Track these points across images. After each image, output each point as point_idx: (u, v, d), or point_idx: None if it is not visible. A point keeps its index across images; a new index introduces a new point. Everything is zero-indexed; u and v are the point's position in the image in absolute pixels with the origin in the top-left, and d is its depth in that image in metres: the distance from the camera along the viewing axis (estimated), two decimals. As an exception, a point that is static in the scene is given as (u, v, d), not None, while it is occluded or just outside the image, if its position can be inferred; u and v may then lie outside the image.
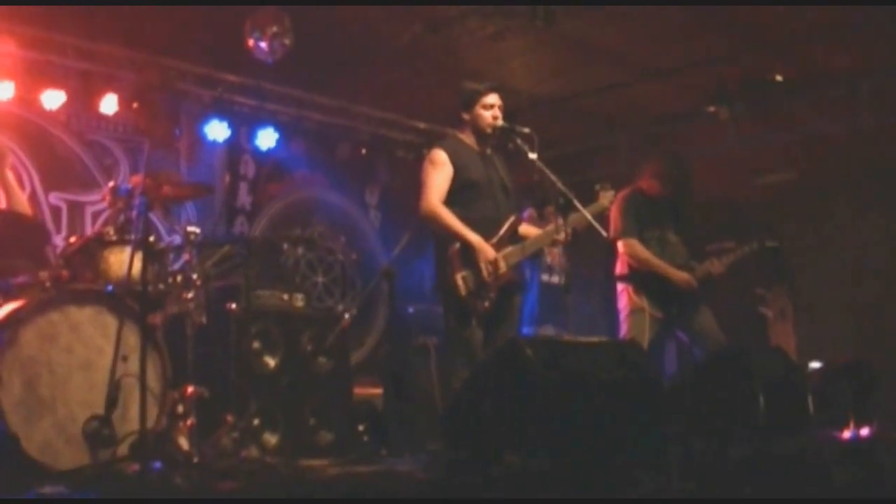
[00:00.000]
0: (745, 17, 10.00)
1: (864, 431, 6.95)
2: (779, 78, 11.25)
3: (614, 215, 8.88)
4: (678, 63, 11.00)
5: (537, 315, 11.74)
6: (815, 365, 8.90)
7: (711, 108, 11.88)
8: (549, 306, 11.81)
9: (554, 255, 12.03)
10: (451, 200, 7.45)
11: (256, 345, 8.41)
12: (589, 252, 11.40)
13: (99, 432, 6.57)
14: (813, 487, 5.70)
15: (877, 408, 7.30)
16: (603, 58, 10.86)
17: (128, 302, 6.94)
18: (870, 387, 7.61)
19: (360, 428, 9.06)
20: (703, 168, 11.38)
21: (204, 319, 7.52)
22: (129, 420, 6.71)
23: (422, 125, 12.64)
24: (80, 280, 7.20)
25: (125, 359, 6.78)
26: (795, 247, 13.12)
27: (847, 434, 6.88)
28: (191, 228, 7.63)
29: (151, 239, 7.25)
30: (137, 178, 7.47)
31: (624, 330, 8.92)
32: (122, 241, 7.32)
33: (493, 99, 7.62)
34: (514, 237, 7.50)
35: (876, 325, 13.22)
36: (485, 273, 7.20)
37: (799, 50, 10.68)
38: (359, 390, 9.65)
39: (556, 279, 12.28)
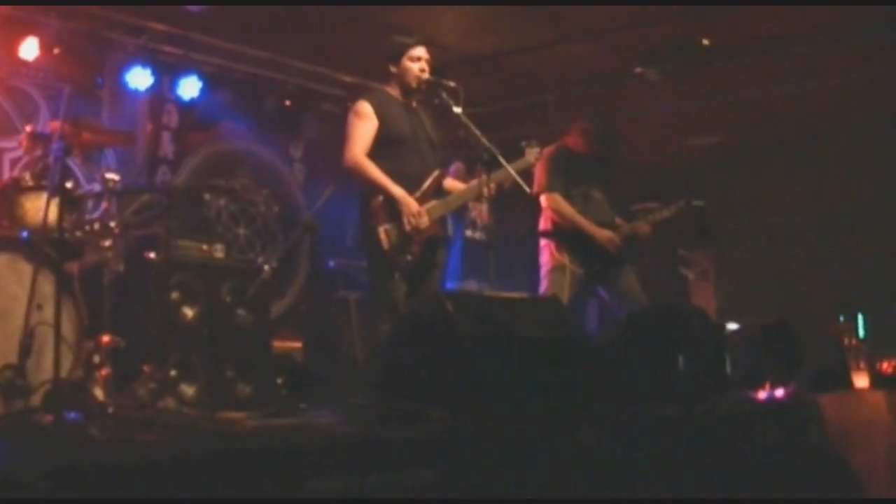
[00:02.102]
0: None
1: (780, 392, 6.99)
2: (705, 42, 11.27)
3: (539, 171, 8.86)
4: (609, 24, 10.97)
5: (460, 270, 11.73)
6: (733, 326, 8.93)
7: (639, 70, 11.89)
8: (472, 262, 11.82)
9: (478, 211, 12.03)
10: (375, 153, 7.42)
11: (175, 295, 8.29)
12: (514, 208, 11.39)
13: (12, 382, 6.44)
14: (728, 448, 5.73)
15: (795, 369, 7.34)
16: (534, 16, 10.80)
17: (44, 249, 6.81)
18: (788, 348, 7.65)
19: (279, 381, 8.99)
20: (632, 129, 11.41)
21: (122, 269, 7.42)
22: (43, 370, 6.57)
23: (349, 79, 12.53)
24: (-5, 227, 7.09)
25: (40, 307, 6.66)
26: (721, 209, 13.19)
27: (763, 395, 6.91)
28: (110, 175, 7.51)
29: (69, 185, 7.13)
30: (56, 124, 7.34)
31: (545, 286, 8.91)
32: (38, 188, 7.19)
33: (420, 52, 7.60)
34: (438, 191, 7.49)
35: (798, 287, 13.34)
36: (408, 226, 7.19)
37: (729, 14, 10.68)
38: (278, 343, 9.58)
39: (479, 235, 12.28)
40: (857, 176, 13.18)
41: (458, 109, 7.32)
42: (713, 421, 5.94)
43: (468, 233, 12.06)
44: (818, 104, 12.27)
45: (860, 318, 10.48)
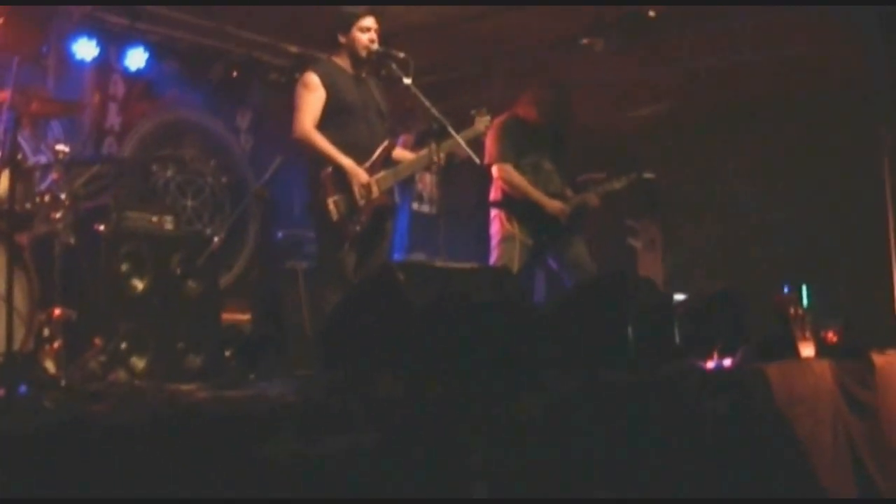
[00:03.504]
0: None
1: (727, 362, 7.05)
2: (651, 14, 11.30)
3: (490, 141, 8.87)
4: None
5: (407, 243, 11.76)
6: (680, 296, 9.00)
7: (586, 41, 11.90)
8: (420, 234, 11.85)
9: (425, 183, 12.05)
10: (324, 124, 7.44)
11: (125, 267, 8.27)
12: (462, 179, 11.41)
13: (-38, 354, 6.44)
14: (675, 416, 5.79)
15: (743, 339, 7.40)
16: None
17: (-6, 221, 6.80)
18: (735, 317, 7.72)
19: (228, 353, 9.00)
20: (578, 98, 11.42)
21: (72, 240, 7.42)
22: (-7, 341, 6.58)
23: (295, 49, 12.48)
24: (-57, 198, 7.05)
25: (-9, 279, 6.66)
26: (668, 179, 13.26)
27: (711, 364, 6.97)
28: (59, 147, 7.51)
29: (19, 157, 7.11)
30: (4, 94, 7.32)
31: (495, 256, 8.94)
32: (-13, 159, 7.17)
33: (369, 22, 7.59)
34: (387, 162, 7.53)
35: (744, 257, 13.46)
36: (357, 197, 7.23)
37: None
38: (227, 315, 9.59)
39: (426, 208, 12.30)
40: (804, 147, 13.25)
41: (408, 80, 7.35)
42: (661, 388, 5.99)
43: (415, 206, 12.09)
44: (765, 75, 12.32)
45: (804, 288, 10.61)
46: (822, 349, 7.50)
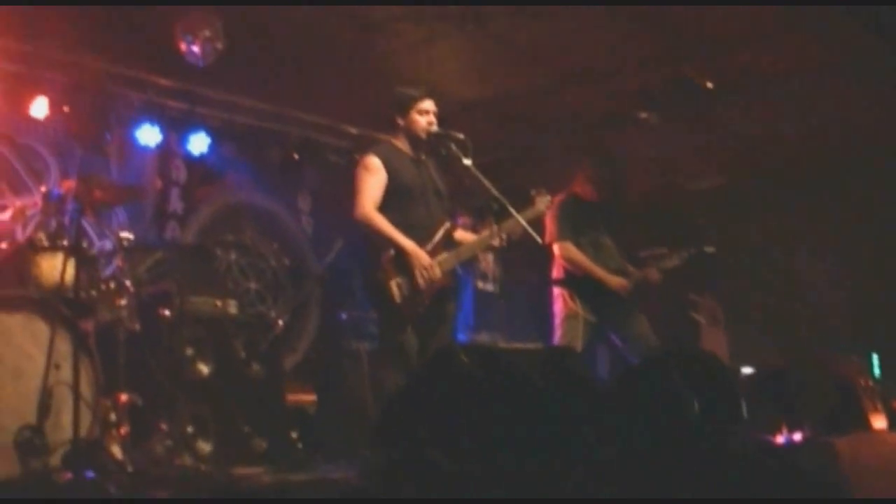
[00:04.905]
0: (673, 21, 10.02)
1: (796, 436, 7.00)
2: (709, 85, 11.30)
3: (549, 220, 8.90)
4: (607, 66, 11.00)
5: (472, 322, 11.75)
6: (748, 369, 8.94)
7: (643, 115, 11.91)
8: (483, 313, 11.83)
9: (487, 262, 12.06)
10: (384, 206, 7.45)
11: (189, 351, 8.33)
12: (523, 258, 11.42)
13: (31, 442, 6.47)
14: (745, 493, 5.73)
15: (811, 412, 7.34)
16: (532, 61, 10.84)
17: (60, 308, 6.85)
18: (803, 390, 7.66)
19: (294, 435, 9.01)
20: (635, 172, 11.43)
21: (137, 326, 7.47)
22: (61, 429, 6.61)
23: (353, 130, 12.54)
24: (10, 287, 7.12)
25: (57, 367, 6.70)
26: (728, 252, 13.19)
27: (780, 438, 6.92)
28: (123, 234, 7.58)
29: (83, 244, 7.20)
30: (69, 183, 7.42)
31: (559, 335, 8.94)
32: (53, 247, 7.25)
33: (428, 105, 7.64)
34: (448, 243, 7.52)
35: (810, 329, 13.33)
36: (419, 279, 7.22)
37: (726, 54, 10.71)
38: (292, 396, 9.60)
39: (490, 287, 12.30)
40: (865, 214, 13.16)
41: (467, 161, 7.37)
42: (729, 465, 5.94)
43: (479, 284, 12.09)
44: (820, 142, 12.29)
45: (874, 357, 10.46)
46: (895, 420, 7.41)
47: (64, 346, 6.73)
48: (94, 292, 7.32)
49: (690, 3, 9.48)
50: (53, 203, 7.52)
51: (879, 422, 7.14)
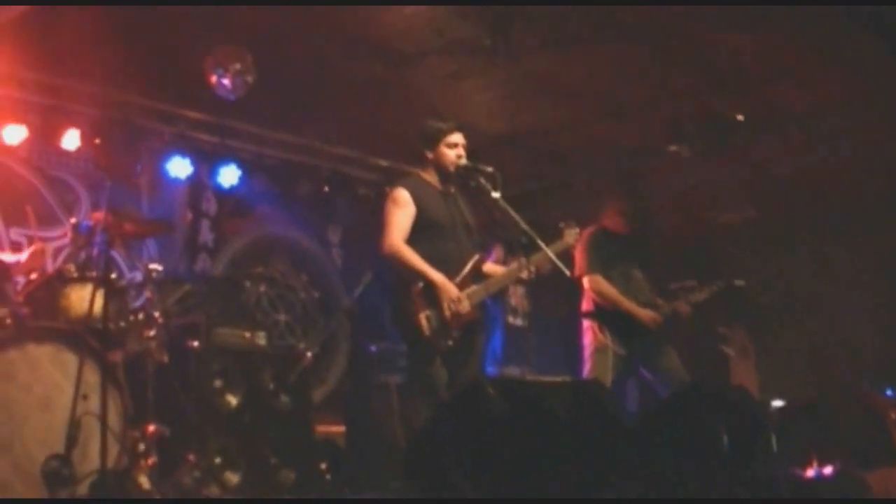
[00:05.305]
0: (703, 55, 10.02)
1: (827, 470, 6.95)
2: (740, 117, 11.28)
3: (579, 253, 8.88)
4: (637, 100, 11.00)
5: (501, 356, 11.73)
6: (778, 403, 8.90)
7: (674, 148, 11.89)
8: (513, 347, 11.81)
9: (517, 296, 12.04)
10: (413, 239, 7.44)
11: (218, 383, 8.35)
12: (552, 291, 11.39)
13: (58, 472, 6.49)
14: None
15: (841, 446, 7.30)
16: (561, 95, 10.85)
17: (88, 340, 6.87)
18: (833, 424, 7.62)
19: (322, 466, 9.00)
20: (665, 204, 11.41)
21: (165, 357, 7.48)
22: (88, 459, 6.64)
23: (383, 163, 12.58)
24: (40, 317, 7.14)
25: (85, 397, 6.73)
26: (758, 285, 13.14)
27: (811, 472, 6.87)
28: (152, 266, 7.62)
29: (113, 276, 7.23)
30: (99, 215, 7.46)
31: (588, 367, 8.90)
32: (83, 279, 7.30)
33: (457, 138, 7.63)
34: (477, 276, 7.51)
35: (840, 363, 13.25)
36: (448, 312, 7.19)
37: (757, 89, 10.70)
38: (321, 428, 9.61)
39: (520, 321, 12.28)
40: (893, 248, 13.10)
41: (496, 194, 7.36)
42: (759, 500, 5.91)
43: (509, 319, 12.07)
44: (852, 175, 12.24)
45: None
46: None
47: (92, 377, 6.76)
48: (122, 324, 7.35)
49: (718, 35, 9.49)
50: (83, 235, 7.57)
51: (911, 455, 7.10)
